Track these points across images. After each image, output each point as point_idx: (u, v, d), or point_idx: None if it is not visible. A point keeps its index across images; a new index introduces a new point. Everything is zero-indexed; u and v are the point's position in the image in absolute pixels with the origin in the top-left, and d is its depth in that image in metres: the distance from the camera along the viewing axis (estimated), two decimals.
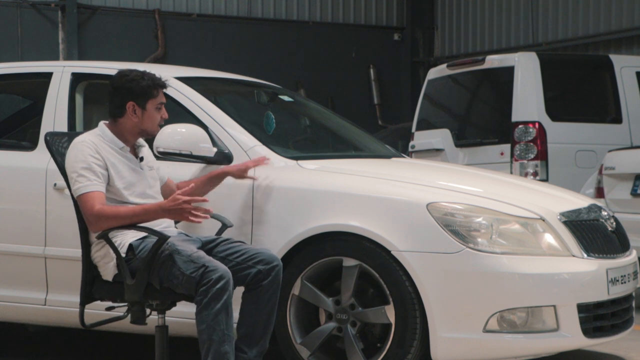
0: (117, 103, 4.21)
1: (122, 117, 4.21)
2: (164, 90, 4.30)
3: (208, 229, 4.43)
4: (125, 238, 4.08)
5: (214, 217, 4.38)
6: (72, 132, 4.66)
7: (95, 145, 4.14)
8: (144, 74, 4.24)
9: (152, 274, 4.00)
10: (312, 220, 4.41)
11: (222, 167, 4.54)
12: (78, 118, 5.10)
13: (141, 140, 4.36)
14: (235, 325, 4.13)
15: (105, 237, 4.04)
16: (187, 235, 4.26)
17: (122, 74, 4.24)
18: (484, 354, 4.23)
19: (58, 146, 4.22)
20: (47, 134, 4.27)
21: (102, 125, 4.25)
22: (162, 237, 3.98)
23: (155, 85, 4.23)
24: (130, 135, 4.24)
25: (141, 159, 4.28)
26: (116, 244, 4.05)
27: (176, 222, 4.40)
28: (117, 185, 4.13)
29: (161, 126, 4.34)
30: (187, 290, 3.96)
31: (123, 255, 4.05)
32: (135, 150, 4.29)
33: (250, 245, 4.26)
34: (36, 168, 4.96)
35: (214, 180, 4.52)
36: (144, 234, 4.08)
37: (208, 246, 4.21)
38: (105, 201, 4.06)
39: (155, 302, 4.10)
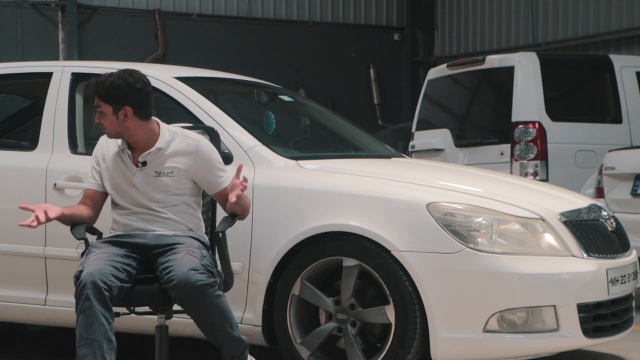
0: None
1: None
2: (97, 91, 4.08)
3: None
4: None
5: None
6: None
7: (102, 143, 4.22)
8: None
9: None
10: (312, 220, 4.41)
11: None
12: (78, 118, 5.10)
13: (167, 142, 4.18)
14: None
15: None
16: (142, 238, 4.14)
17: None
18: (484, 354, 4.23)
19: None
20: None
21: None
22: (84, 240, 4.06)
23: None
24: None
25: (143, 164, 4.15)
26: None
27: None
28: (107, 186, 4.18)
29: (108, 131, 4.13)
30: None
31: None
32: (137, 155, 4.16)
33: (177, 261, 3.94)
34: (36, 168, 4.96)
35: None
36: (113, 233, 4.18)
37: (153, 251, 4.08)
38: (90, 199, 4.18)
39: None
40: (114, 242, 4.09)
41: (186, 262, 3.91)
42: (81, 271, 3.86)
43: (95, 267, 3.86)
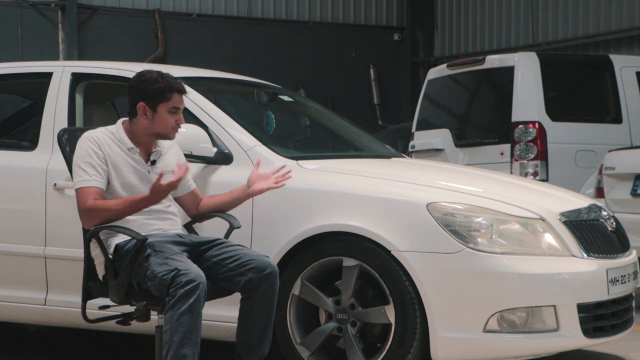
0: (130, 103, 4.18)
1: (135, 118, 4.16)
2: (184, 95, 4.18)
3: (216, 229, 4.38)
4: (114, 239, 4.08)
5: (222, 217, 4.34)
6: (86, 127, 4.54)
7: (99, 141, 4.12)
8: (161, 76, 4.14)
9: (132, 276, 3.98)
10: (312, 220, 4.41)
11: (246, 190, 4.35)
12: (78, 118, 5.10)
13: (164, 143, 4.28)
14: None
15: (94, 236, 4.04)
16: (179, 236, 4.18)
17: (139, 74, 4.18)
18: (484, 354, 4.23)
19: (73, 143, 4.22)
20: (62, 131, 4.28)
21: (119, 123, 4.23)
22: (141, 239, 3.96)
23: (170, 88, 4.12)
24: (143, 136, 4.17)
25: (152, 162, 4.20)
26: (105, 244, 4.06)
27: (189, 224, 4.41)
28: (115, 185, 4.11)
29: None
30: (159, 292, 3.89)
31: (110, 255, 4.06)
32: (147, 153, 4.22)
33: (245, 250, 4.15)
34: (36, 168, 4.96)
35: (238, 200, 4.38)
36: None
37: (201, 248, 4.15)
38: (100, 197, 4.04)
39: (139, 303, 4.04)
40: (168, 241, 4.07)
41: (253, 251, 4.18)
42: (178, 269, 3.81)
43: (197, 268, 3.89)
